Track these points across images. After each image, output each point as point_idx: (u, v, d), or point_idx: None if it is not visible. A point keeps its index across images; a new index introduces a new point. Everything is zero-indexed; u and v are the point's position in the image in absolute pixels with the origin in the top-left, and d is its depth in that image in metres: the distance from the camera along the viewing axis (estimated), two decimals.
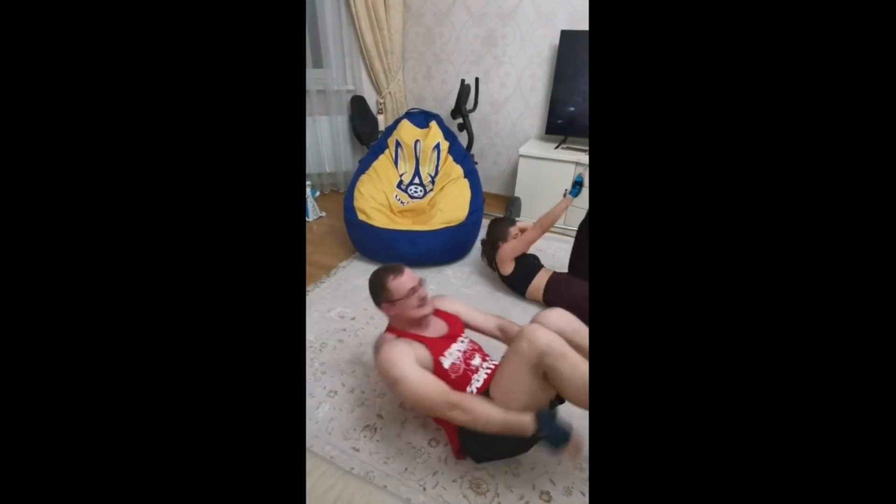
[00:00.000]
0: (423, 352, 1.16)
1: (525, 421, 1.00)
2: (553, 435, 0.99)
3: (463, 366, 1.18)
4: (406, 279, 1.23)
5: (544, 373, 1.05)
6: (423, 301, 1.22)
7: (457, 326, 1.31)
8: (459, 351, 1.22)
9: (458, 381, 1.17)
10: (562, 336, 1.08)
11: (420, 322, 1.23)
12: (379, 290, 1.24)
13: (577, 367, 1.02)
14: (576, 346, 1.11)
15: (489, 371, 1.23)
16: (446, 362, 1.17)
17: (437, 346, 1.19)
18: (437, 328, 1.29)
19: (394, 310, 1.23)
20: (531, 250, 2.06)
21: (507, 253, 1.95)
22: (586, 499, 1.14)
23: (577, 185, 1.95)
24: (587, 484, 1.17)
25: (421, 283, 1.25)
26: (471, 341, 1.31)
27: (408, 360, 1.09)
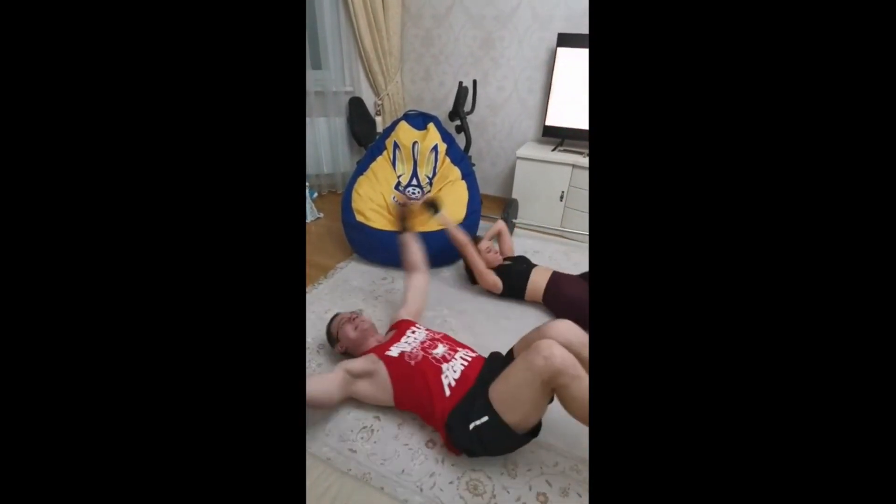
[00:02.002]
0: (371, 359, 1.36)
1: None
2: None
3: (421, 353, 1.34)
4: (341, 318, 1.53)
5: (553, 389, 1.07)
6: (356, 325, 1.50)
7: (403, 325, 1.50)
8: (415, 341, 1.40)
9: (420, 366, 1.30)
10: (570, 348, 1.12)
11: (363, 342, 1.48)
12: (330, 340, 1.55)
13: (588, 390, 1.03)
14: (583, 360, 1.15)
15: (466, 362, 1.32)
16: (395, 352, 1.36)
17: (382, 348, 1.39)
18: (383, 337, 1.53)
19: (343, 345, 1.50)
20: (518, 251, 2.03)
21: (482, 273, 1.94)
22: (582, 500, 1.14)
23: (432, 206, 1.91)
24: (583, 485, 1.18)
25: (355, 315, 1.54)
26: (429, 332, 1.46)
27: (312, 380, 1.28)
